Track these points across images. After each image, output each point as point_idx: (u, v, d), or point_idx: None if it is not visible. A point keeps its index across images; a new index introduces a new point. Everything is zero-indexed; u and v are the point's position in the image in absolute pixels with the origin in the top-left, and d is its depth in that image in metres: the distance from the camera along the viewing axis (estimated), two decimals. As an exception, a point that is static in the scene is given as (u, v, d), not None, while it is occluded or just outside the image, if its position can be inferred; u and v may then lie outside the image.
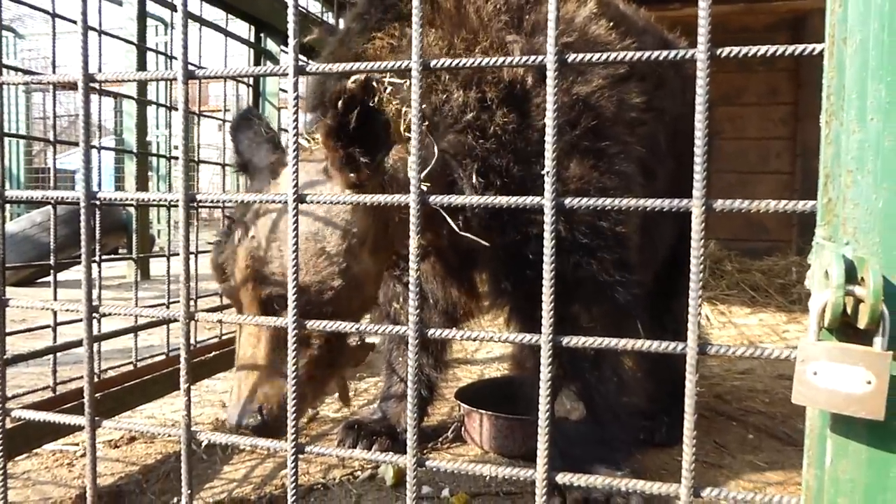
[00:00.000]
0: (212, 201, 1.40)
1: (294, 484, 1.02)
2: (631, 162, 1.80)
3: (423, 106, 0.94)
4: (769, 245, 6.08)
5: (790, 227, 6.25)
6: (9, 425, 1.75)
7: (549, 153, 0.88)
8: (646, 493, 0.90)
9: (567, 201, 0.89)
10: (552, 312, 0.90)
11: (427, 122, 1.59)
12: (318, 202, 0.98)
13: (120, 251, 7.19)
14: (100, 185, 2.28)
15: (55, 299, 1.84)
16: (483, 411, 2.21)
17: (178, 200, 1.05)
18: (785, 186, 6.25)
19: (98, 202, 2.20)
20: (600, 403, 1.83)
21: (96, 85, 2.15)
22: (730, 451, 2.27)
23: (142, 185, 6.04)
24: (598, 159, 1.72)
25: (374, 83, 1.39)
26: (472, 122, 1.64)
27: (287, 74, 0.99)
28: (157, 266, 6.74)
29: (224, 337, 2.88)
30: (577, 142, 1.69)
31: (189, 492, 1.06)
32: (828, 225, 0.79)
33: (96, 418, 1.11)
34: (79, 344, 1.91)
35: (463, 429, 2.31)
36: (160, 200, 1.75)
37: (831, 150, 0.78)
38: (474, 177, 1.66)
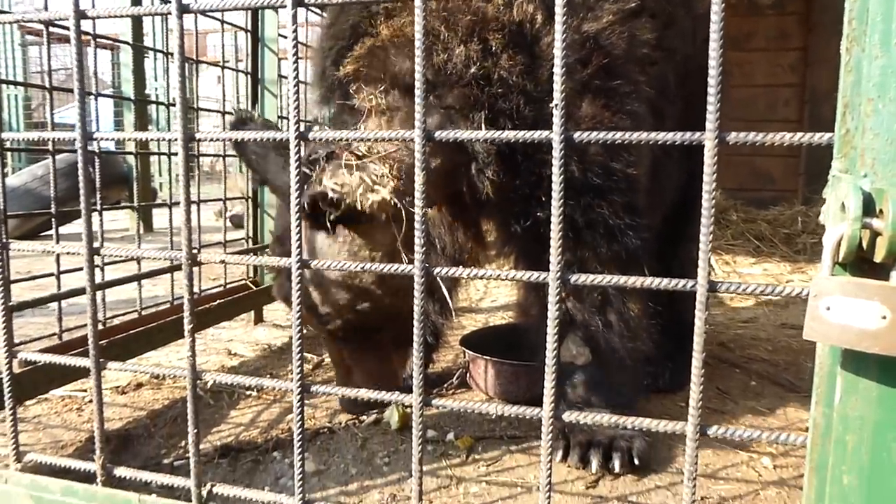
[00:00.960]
0: (211, 141, 1.38)
1: (300, 423, 1.02)
2: (642, 102, 1.76)
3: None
4: (775, 195, 6.04)
5: (797, 177, 6.19)
6: (17, 370, 1.76)
7: (557, 86, 0.86)
8: (652, 431, 0.90)
9: (576, 135, 0.86)
10: (560, 251, 0.88)
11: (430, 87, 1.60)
12: (318, 139, 0.96)
13: (121, 205, 7.17)
14: (98, 144, 2.24)
15: (57, 243, 1.83)
16: (488, 357, 2.22)
17: (177, 140, 1.03)
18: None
19: (97, 144, 2.18)
20: (605, 349, 1.83)
21: (89, 25, 2.10)
22: (732, 398, 2.28)
23: (142, 136, 5.96)
24: (610, 99, 1.68)
25: (330, 193, 1.45)
26: (476, 74, 1.60)
27: (285, 6, 0.96)
28: (159, 220, 6.74)
29: (229, 286, 2.89)
30: (588, 81, 1.65)
31: (195, 430, 1.06)
32: (845, 157, 0.77)
33: (101, 360, 1.11)
34: (83, 291, 1.90)
35: (468, 375, 2.32)
36: (159, 146, 1.72)
37: (851, 78, 0.75)
38: (483, 126, 1.63)
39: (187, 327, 1.03)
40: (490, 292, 3.97)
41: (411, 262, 1.75)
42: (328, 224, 1.53)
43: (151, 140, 2.87)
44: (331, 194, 1.45)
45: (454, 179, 1.73)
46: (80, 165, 1.02)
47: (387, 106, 1.61)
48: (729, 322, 3.32)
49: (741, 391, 2.34)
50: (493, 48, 1.60)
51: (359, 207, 1.46)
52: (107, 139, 1.07)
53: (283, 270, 1.80)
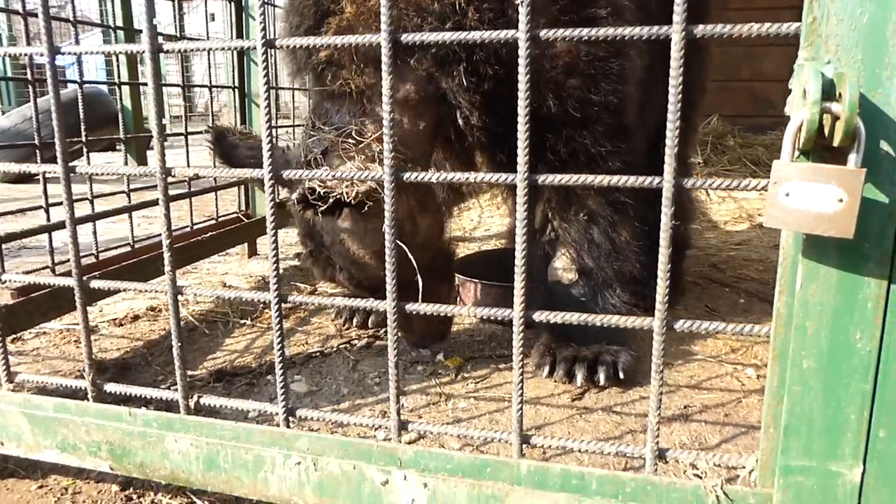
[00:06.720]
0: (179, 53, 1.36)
1: (279, 333, 1.04)
2: (624, 24, 1.71)
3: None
4: (774, 121, 5.96)
5: (796, 102, 6.10)
6: (10, 301, 1.79)
7: (522, -18, 0.84)
8: (620, 327, 0.92)
9: (542, 33, 0.85)
10: (527, 152, 0.88)
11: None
12: (287, 45, 0.95)
13: (117, 148, 7.12)
14: (81, 75, 2.23)
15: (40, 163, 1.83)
16: (476, 280, 2.25)
17: (145, 52, 1.02)
18: (794, 59, 6.05)
19: (77, 71, 2.15)
20: (592, 268, 1.84)
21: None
22: (720, 314, 2.31)
23: (132, 71, 5.87)
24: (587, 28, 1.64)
25: (317, 188, 1.43)
26: (451, 29, 1.57)
27: None
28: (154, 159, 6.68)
29: (220, 219, 2.89)
30: (558, 15, 1.60)
31: (179, 344, 1.09)
32: (811, 46, 0.76)
33: (84, 279, 1.12)
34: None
35: (458, 298, 2.35)
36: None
37: (818, -38, 0.73)
38: (464, 79, 1.61)
39: (165, 242, 1.04)
40: (484, 222, 3.98)
41: (422, 223, 1.76)
42: (327, 212, 1.51)
43: (136, 61, 2.83)
44: (318, 189, 1.44)
45: (443, 129, 1.74)
46: (48, 79, 1.01)
47: (364, 85, 1.60)
48: (721, 245, 3.34)
49: (729, 309, 2.38)
50: (460, 3, 1.56)
51: (344, 199, 1.44)
52: (73, 52, 1.06)
53: (317, 252, 1.76)
